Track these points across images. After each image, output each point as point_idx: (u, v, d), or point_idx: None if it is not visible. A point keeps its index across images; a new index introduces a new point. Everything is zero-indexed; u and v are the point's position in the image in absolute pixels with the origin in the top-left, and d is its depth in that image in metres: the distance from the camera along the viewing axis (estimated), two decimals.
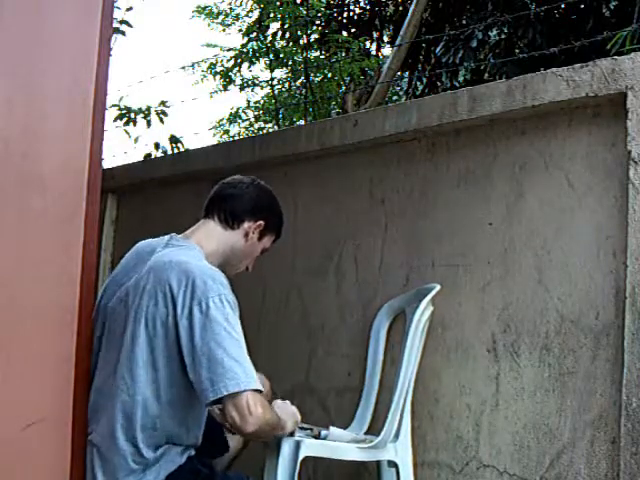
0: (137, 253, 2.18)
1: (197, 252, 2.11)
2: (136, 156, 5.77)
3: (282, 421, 2.10)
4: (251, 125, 9.51)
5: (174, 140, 5.60)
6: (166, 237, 2.18)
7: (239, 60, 6.69)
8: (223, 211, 2.21)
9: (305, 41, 6.46)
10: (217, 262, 2.16)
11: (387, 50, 7.64)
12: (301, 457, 2.25)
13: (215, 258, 2.16)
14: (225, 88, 7.54)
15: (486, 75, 6.35)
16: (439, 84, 7.04)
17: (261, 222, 2.23)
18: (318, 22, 6.99)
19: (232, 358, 1.90)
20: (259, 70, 9.34)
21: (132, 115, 5.73)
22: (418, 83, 7.29)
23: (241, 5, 8.25)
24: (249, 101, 9.16)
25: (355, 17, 7.52)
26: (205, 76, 8.07)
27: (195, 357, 1.91)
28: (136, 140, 5.74)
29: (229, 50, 7.28)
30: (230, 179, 2.30)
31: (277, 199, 2.33)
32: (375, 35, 7.47)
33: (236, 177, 2.30)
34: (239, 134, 9.63)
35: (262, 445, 2.40)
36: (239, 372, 1.89)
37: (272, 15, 6.39)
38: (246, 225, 2.22)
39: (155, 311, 1.97)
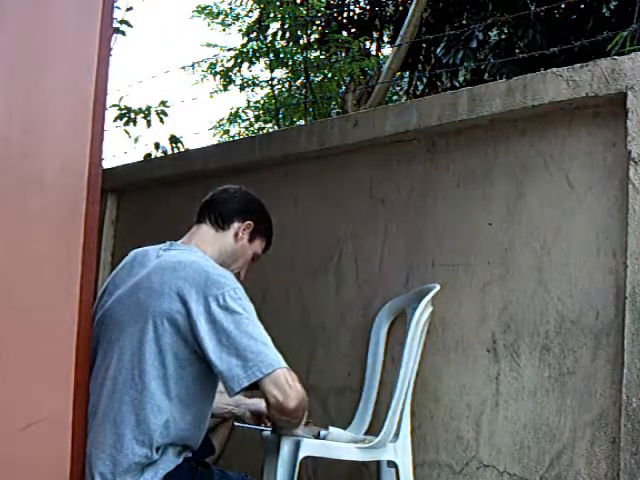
0: (134, 258, 2.23)
1: (202, 254, 2.17)
2: (136, 156, 5.79)
3: None
4: (251, 125, 9.51)
5: (174, 140, 5.61)
6: (164, 244, 2.21)
7: (239, 60, 6.70)
8: (214, 213, 2.28)
9: (305, 41, 6.47)
10: None
11: (387, 50, 7.65)
12: (300, 457, 2.25)
13: (212, 260, 2.19)
14: (225, 88, 7.55)
15: (486, 75, 6.35)
16: (439, 84, 7.05)
17: (250, 222, 2.29)
18: (318, 22, 7.00)
19: (259, 342, 1.95)
20: (259, 70, 9.35)
21: (132, 115, 5.74)
22: (418, 83, 7.28)
23: (241, 5, 8.26)
24: (249, 101, 9.16)
25: (355, 17, 7.52)
26: (205, 76, 8.08)
27: (221, 348, 1.94)
28: (136, 140, 5.75)
29: (229, 50, 7.29)
30: (219, 187, 2.38)
31: (265, 207, 2.38)
32: (375, 35, 7.47)
33: (225, 186, 2.38)
34: (239, 134, 9.63)
35: (262, 445, 2.40)
36: (269, 354, 1.94)
37: (272, 15, 6.40)
38: (236, 225, 2.28)
39: (163, 309, 1.99)
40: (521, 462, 2.42)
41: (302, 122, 7.12)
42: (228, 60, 7.07)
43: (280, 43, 6.66)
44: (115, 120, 5.71)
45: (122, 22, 5.33)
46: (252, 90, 8.54)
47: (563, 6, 5.89)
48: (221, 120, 9.77)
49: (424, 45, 6.80)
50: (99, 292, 2.22)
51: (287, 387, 1.92)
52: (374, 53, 7.50)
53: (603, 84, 2.33)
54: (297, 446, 2.26)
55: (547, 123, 2.51)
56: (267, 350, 1.95)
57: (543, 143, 2.52)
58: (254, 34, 6.62)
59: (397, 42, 5.66)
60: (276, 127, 7.89)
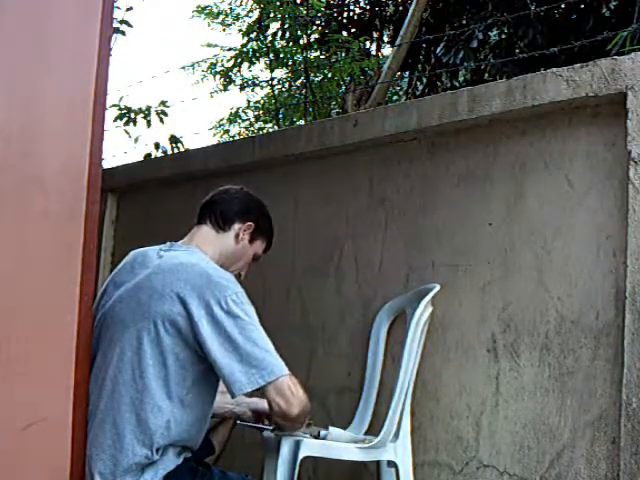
0: (134, 259, 2.22)
1: (203, 255, 2.17)
2: (136, 156, 5.79)
3: None
4: (251, 125, 9.52)
5: (174, 140, 5.61)
6: (164, 245, 2.21)
7: (239, 60, 6.70)
8: (214, 214, 2.28)
9: (305, 41, 6.47)
10: None
11: (387, 50, 7.65)
12: (300, 457, 2.25)
13: (213, 262, 2.19)
14: (225, 88, 7.56)
15: (486, 75, 6.35)
16: (439, 84, 7.05)
17: (250, 223, 2.29)
18: (318, 22, 7.00)
19: (262, 348, 1.97)
20: (259, 70, 9.35)
21: (132, 115, 5.74)
22: (418, 83, 7.29)
23: (241, 5, 8.26)
24: (249, 101, 9.17)
25: (355, 17, 7.53)
26: (205, 76, 8.09)
27: (223, 352, 1.95)
28: (136, 140, 5.75)
29: (229, 50, 7.30)
30: (220, 188, 2.38)
31: (266, 207, 2.38)
32: (375, 35, 7.48)
33: (226, 186, 2.38)
34: (239, 134, 9.64)
35: (262, 445, 2.40)
36: (272, 361, 1.96)
37: (272, 15, 6.40)
38: (236, 226, 2.28)
39: (164, 310, 1.99)
40: (521, 462, 2.42)
41: (302, 122, 7.12)
42: (228, 60, 7.07)
43: (280, 43, 6.65)
44: (115, 120, 5.72)
45: (122, 22, 5.33)
46: (252, 90, 8.55)
47: (563, 6, 5.90)
48: (221, 120, 9.78)
49: (424, 45, 6.80)
50: (98, 293, 2.22)
51: (290, 395, 1.95)
52: (374, 53, 7.51)
53: (603, 84, 2.33)
54: (297, 446, 2.26)
55: (547, 123, 2.51)
56: (269, 357, 1.96)
57: (543, 143, 2.52)
58: (254, 34, 6.62)
59: (397, 42, 5.66)
60: (276, 127, 7.89)
